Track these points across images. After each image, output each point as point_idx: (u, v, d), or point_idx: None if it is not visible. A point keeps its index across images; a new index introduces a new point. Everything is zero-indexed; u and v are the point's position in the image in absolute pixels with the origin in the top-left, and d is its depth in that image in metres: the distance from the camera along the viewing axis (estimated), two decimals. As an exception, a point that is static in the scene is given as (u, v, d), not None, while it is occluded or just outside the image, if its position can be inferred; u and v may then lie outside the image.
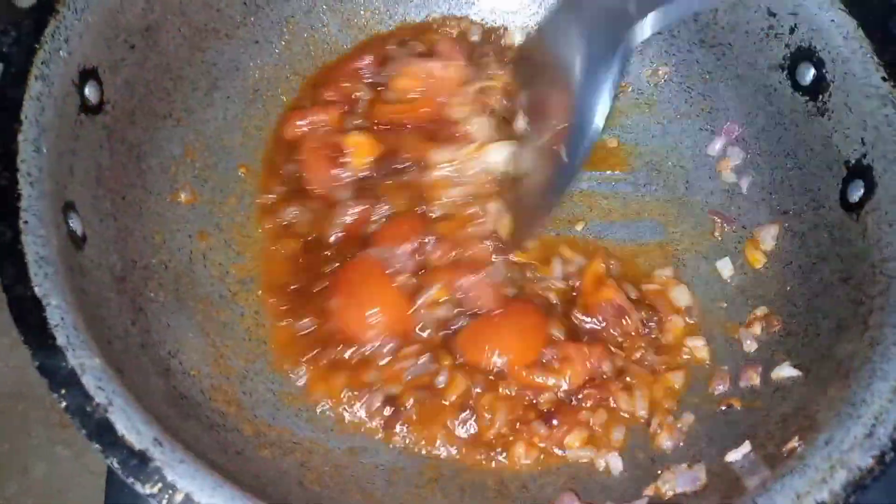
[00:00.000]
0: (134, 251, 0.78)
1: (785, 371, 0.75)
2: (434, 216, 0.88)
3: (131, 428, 0.55)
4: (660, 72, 0.99)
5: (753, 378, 0.77)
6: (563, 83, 0.77)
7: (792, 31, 0.83)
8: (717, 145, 0.94)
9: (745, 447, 0.68)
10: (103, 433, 0.54)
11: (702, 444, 0.76)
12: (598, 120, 0.73)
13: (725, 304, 0.87)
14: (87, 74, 0.73)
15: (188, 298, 0.82)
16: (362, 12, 1.01)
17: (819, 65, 0.81)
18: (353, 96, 0.96)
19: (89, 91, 0.73)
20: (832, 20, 0.79)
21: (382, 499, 0.73)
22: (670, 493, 0.69)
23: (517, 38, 1.02)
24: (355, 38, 1.02)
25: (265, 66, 0.97)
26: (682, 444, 0.77)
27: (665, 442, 0.77)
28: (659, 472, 0.72)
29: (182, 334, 0.78)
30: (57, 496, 1.30)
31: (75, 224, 0.68)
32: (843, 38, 0.78)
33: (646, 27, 0.69)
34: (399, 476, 0.76)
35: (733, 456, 0.69)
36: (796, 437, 0.62)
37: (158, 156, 0.85)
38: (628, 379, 0.81)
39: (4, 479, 1.31)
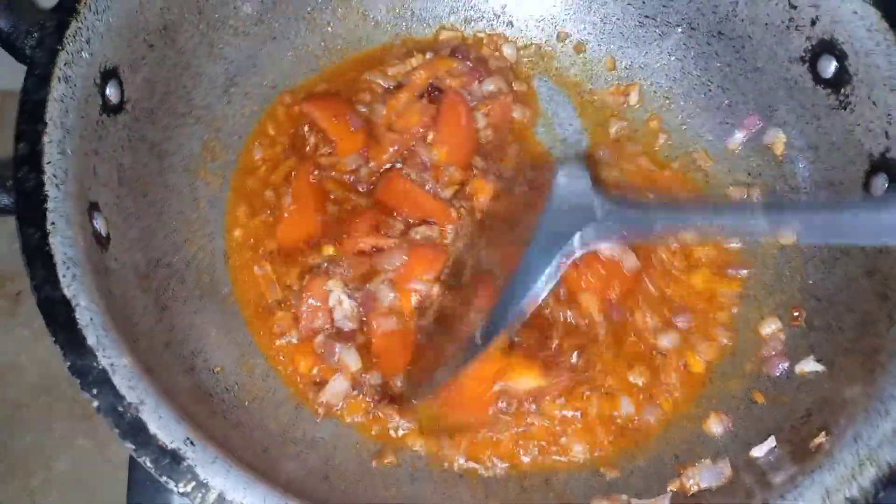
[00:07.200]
0: (157, 250, 0.78)
1: (809, 365, 0.75)
2: None
3: (163, 427, 0.55)
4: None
5: (779, 370, 0.77)
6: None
7: (813, 23, 0.82)
8: (737, 139, 0.94)
9: (770, 442, 0.69)
10: (136, 433, 0.55)
11: (726, 438, 0.76)
12: (525, 304, 0.69)
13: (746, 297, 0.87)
14: (108, 74, 0.73)
15: (211, 296, 0.82)
16: (381, 7, 1.01)
17: (841, 57, 0.80)
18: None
19: (110, 91, 0.73)
20: (855, 12, 0.78)
21: (407, 495, 0.73)
22: (695, 489, 0.69)
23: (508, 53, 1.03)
24: (371, 34, 1.02)
25: (283, 62, 0.97)
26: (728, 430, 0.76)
27: (715, 428, 0.76)
28: (682, 468, 0.72)
29: (205, 332, 0.79)
30: (80, 488, 1.32)
31: (100, 224, 0.68)
32: (866, 30, 0.77)
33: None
34: (422, 472, 0.77)
35: (758, 451, 0.69)
36: (823, 433, 0.62)
37: (178, 154, 0.86)
38: None
39: (28, 471, 1.33)
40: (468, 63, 0.96)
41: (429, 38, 1.03)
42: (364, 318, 0.82)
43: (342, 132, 0.92)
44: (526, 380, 0.78)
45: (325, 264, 0.84)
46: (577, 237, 0.68)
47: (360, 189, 0.91)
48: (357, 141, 0.92)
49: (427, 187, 0.90)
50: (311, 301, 0.82)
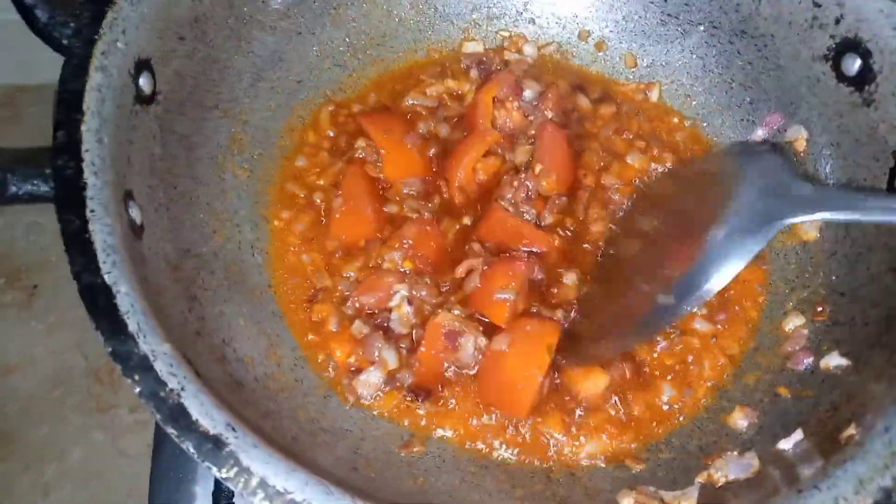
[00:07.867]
0: (186, 240, 0.79)
1: (834, 360, 0.75)
2: None
3: (204, 413, 0.55)
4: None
5: (803, 365, 0.78)
6: (696, 231, 0.73)
7: (837, 21, 0.83)
8: (758, 136, 0.94)
9: (798, 435, 0.69)
10: (178, 418, 0.55)
11: (751, 431, 0.76)
12: (717, 283, 0.69)
13: (768, 295, 0.88)
14: (142, 65, 0.74)
15: (238, 286, 0.83)
16: (405, 4, 1.02)
17: (865, 55, 0.80)
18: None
19: (143, 82, 0.74)
20: (881, 10, 0.79)
21: (434, 484, 0.74)
22: (723, 481, 0.69)
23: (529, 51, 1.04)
24: (395, 31, 1.03)
25: (308, 58, 0.98)
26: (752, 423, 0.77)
27: (739, 421, 0.77)
28: (709, 460, 0.72)
29: (234, 322, 0.79)
30: (94, 480, 1.33)
31: (135, 213, 0.69)
32: (891, 28, 0.78)
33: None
34: (449, 462, 0.77)
35: (786, 444, 0.69)
36: (853, 425, 0.63)
37: (207, 146, 0.86)
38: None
39: (42, 463, 1.33)
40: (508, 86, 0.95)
41: (453, 50, 1.04)
42: (418, 325, 0.82)
43: (392, 146, 0.93)
44: (592, 383, 0.79)
45: (400, 270, 0.85)
46: (786, 219, 0.69)
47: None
48: (409, 159, 0.93)
49: (527, 217, 0.89)
50: (366, 296, 0.84)
